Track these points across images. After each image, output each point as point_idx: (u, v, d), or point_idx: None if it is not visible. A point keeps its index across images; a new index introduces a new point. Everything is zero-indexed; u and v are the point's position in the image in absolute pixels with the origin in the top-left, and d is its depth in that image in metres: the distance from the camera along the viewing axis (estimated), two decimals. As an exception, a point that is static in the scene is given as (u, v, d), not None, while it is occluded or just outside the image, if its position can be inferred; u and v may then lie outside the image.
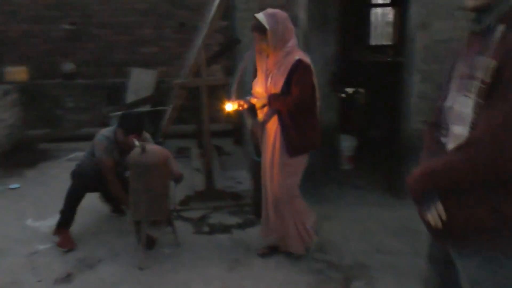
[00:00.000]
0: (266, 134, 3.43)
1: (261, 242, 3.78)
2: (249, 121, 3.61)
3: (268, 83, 3.33)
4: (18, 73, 7.18)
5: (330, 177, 5.30)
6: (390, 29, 8.91)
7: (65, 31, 7.59)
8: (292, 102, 3.21)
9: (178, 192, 4.64)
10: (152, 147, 3.59)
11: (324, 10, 4.87)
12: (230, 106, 3.51)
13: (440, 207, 1.84)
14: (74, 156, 6.04)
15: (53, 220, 4.08)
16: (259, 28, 3.20)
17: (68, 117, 7.36)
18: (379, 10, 9.87)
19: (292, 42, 3.24)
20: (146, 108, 6.53)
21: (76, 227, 4.07)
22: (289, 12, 3.48)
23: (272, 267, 3.58)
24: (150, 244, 3.71)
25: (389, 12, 9.91)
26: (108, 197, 4.42)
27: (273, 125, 3.37)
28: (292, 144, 3.30)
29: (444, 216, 1.83)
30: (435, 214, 1.85)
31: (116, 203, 4.39)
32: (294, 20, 3.61)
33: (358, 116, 6.84)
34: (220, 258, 3.69)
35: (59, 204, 3.96)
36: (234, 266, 3.58)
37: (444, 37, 4.44)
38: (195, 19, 6.99)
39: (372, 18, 8.82)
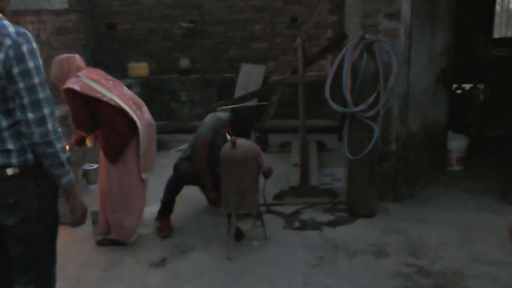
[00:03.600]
0: None
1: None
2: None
3: None
4: (140, 68, 7.78)
5: (435, 179, 5.03)
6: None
7: (183, 28, 8.04)
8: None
9: (273, 187, 4.75)
10: (242, 142, 3.69)
11: (434, 3, 4.61)
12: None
13: None
14: (183, 148, 6.39)
15: (157, 207, 4.36)
16: None
17: (183, 110, 7.82)
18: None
19: (73, 74, 3.64)
20: (251, 104, 6.69)
21: (176, 215, 4.33)
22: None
23: (358, 268, 3.51)
24: (238, 236, 3.83)
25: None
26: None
27: None
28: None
29: None
30: None
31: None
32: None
33: (474, 114, 6.38)
34: (306, 254, 3.70)
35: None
36: (319, 264, 3.57)
37: None
38: (307, 15, 7.02)
39: (498, 8, 8.12)
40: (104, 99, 3.58)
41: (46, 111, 1.96)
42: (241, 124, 3.94)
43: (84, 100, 3.57)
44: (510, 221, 1.65)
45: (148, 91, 7.76)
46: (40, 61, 1.97)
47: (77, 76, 3.61)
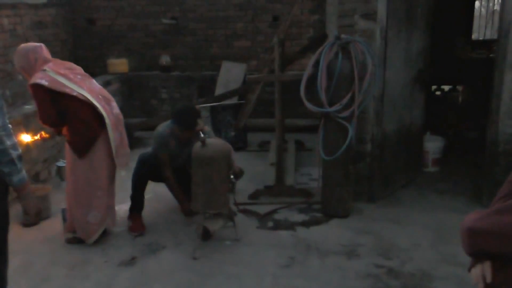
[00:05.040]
0: None
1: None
2: None
3: None
4: (119, 64, 7.68)
5: (410, 179, 5.04)
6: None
7: (165, 25, 7.97)
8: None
9: (250, 186, 4.74)
10: (213, 141, 3.67)
11: (411, 4, 4.61)
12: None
13: (487, 267, 1.59)
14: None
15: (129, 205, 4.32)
16: None
17: (162, 108, 7.76)
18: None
19: (40, 65, 3.56)
20: (230, 102, 6.65)
21: (149, 213, 4.30)
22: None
23: (329, 269, 3.50)
24: (205, 235, 3.79)
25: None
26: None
27: None
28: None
29: (489, 279, 1.59)
30: (479, 273, 1.61)
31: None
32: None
33: (452, 116, 6.43)
34: (277, 254, 3.68)
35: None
36: (290, 264, 3.55)
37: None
38: (288, 13, 6.99)
39: (479, 10, 8.15)
40: (74, 93, 3.54)
41: None
42: (183, 119, 3.92)
43: (52, 95, 3.51)
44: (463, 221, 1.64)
45: (128, 88, 7.69)
46: None
47: (44, 70, 3.54)
